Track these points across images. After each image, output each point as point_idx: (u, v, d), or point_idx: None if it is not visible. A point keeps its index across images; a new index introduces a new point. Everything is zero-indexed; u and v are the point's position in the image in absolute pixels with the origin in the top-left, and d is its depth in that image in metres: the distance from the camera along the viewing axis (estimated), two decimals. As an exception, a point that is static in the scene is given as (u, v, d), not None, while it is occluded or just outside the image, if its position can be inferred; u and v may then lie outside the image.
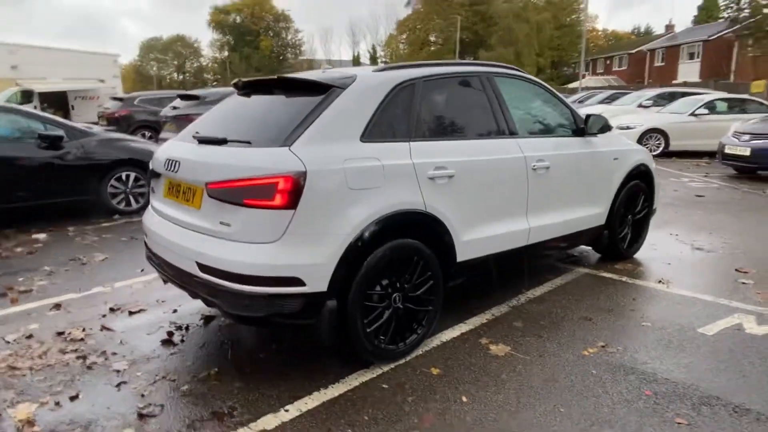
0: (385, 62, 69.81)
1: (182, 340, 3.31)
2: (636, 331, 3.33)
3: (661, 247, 5.11)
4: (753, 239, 5.42)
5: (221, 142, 2.81)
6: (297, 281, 2.55)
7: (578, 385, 2.73)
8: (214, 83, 69.06)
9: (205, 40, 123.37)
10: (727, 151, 9.55)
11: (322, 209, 2.60)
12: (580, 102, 19.67)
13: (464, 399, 2.62)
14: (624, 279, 4.29)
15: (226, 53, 70.91)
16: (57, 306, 3.87)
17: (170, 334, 3.38)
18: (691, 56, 37.92)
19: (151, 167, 3.33)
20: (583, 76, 33.62)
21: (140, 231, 6.00)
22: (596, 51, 54.05)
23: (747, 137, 9.21)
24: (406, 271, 2.93)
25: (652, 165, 4.78)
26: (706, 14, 56.15)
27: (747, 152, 9.09)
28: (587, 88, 28.60)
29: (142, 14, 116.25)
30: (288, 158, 2.54)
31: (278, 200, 2.50)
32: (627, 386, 2.71)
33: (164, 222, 3.09)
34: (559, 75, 63.42)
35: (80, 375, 2.92)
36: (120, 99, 14.25)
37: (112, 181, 6.76)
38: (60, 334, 3.42)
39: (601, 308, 3.70)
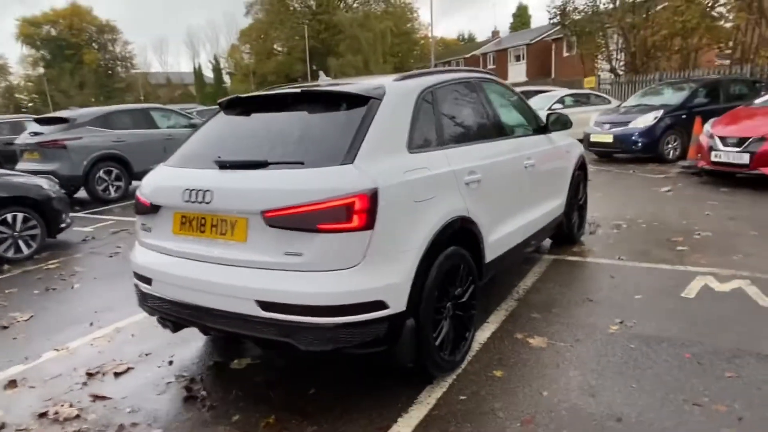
0: (230, 74, 67.35)
1: (207, 394, 2.91)
2: (636, 304, 3.68)
3: (593, 227, 5.71)
4: (657, 211, 6.27)
5: (261, 165, 2.53)
6: (381, 305, 2.40)
7: (630, 361, 2.95)
8: (30, 104, 60.75)
9: (13, 56, 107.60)
10: (592, 139, 10.90)
11: (396, 225, 2.48)
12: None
13: (545, 393, 2.69)
14: (589, 260, 4.71)
15: (41, 69, 62.67)
16: (12, 383, 3.16)
17: (188, 389, 2.95)
18: (518, 59, 42.52)
19: (148, 201, 2.86)
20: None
21: (51, 280, 5.16)
22: (438, 56, 57.89)
23: (608, 126, 10.61)
24: (455, 279, 2.91)
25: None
26: (520, 21, 63.55)
27: (610, 139, 10.48)
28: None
29: None
30: (356, 176, 2.39)
31: (356, 221, 2.33)
32: (667, 353, 3.00)
33: (183, 262, 2.69)
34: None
35: (109, 458, 2.43)
36: (-55, 128, 11.88)
37: (-5, 226, 5.66)
38: (42, 415, 2.80)
39: (593, 289, 4.03)
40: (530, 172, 3.86)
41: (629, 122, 10.33)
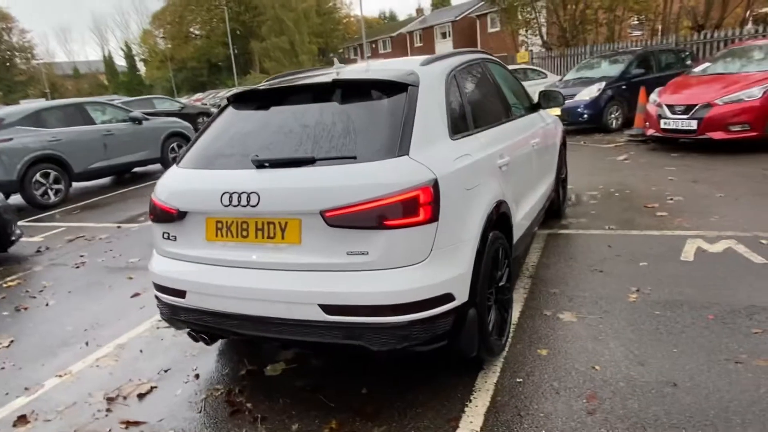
0: (144, 60, 63.59)
1: (253, 405, 2.75)
2: (643, 272, 3.86)
3: (573, 200, 5.91)
4: (623, 179, 6.58)
5: (308, 162, 2.39)
6: (449, 297, 2.36)
7: (661, 327, 3.09)
8: None
9: None
10: (540, 113, 11.25)
11: (455, 215, 2.43)
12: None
13: (597, 368, 2.76)
14: (581, 232, 4.87)
15: (-75, 64, 56.36)
16: (21, 419, 2.85)
17: (231, 403, 2.79)
18: (444, 36, 43.02)
19: (174, 208, 2.63)
20: (352, 62, 35.49)
21: (18, 298, 4.69)
22: (359, 36, 57.33)
23: (555, 99, 10.96)
24: (497, 263, 2.91)
25: (562, 130, 5.46)
26: (440, -2, 64.14)
27: (558, 111, 10.83)
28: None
29: None
30: (416, 167, 2.30)
31: (422, 215, 2.26)
32: (691, 316, 3.17)
33: (224, 270, 2.51)
34: (327, 62, 66.32)
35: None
36: None
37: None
38: (74, 451, 2.55)
39: (597, 259, 4.17)
40: (536, 151, 3.92)
41: (575, 95, 10.72)
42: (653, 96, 8.37)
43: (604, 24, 17.18)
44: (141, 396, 2.96)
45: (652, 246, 4.33)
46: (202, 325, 2.67)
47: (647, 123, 8.49)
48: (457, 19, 41.21)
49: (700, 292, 3.46)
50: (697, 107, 7.44)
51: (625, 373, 2.69)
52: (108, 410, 2.86)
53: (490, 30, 37.41)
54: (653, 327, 3.10)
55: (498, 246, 2.87)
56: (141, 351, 3.49)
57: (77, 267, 5.41)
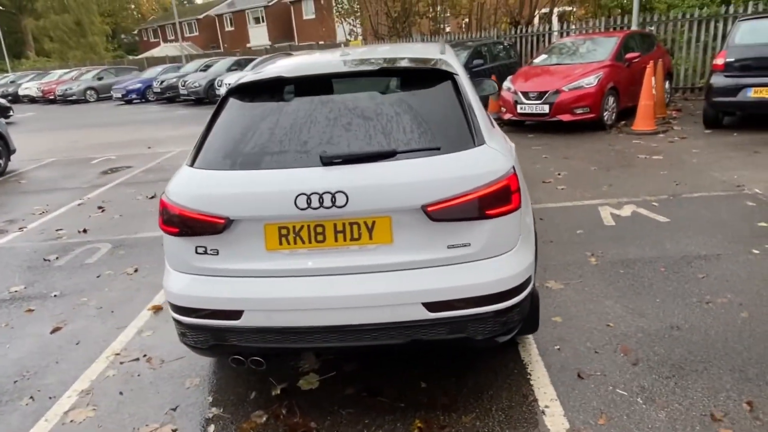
0: None
1: (315, 424, 2.53)
2: (584, 238, 4.40)
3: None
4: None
5: (389, 155, 2.25)
6: (530, 279, 2.46)
7: (633, 283, 3.60)
8: None
9: None
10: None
11: (524, 201, 2.52)
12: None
13: (611, 325, 3.13)
14: (507, 209, 5.32)
15: None
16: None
17: (291, 426, 2.52)
18: (257, 21, 41.70)
19: (221, 217, 2.23)
20: (152, 45, 32.39)
21: None
22: (160, 17, 52.49)
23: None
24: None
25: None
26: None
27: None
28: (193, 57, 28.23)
29: None
30: (498, 156, 2.34)
31: (513, 202, 2.31)
32: (649, 270, 3.74)
33: (298, 281, 2.25)
34: (119, 44, 59.77)
35: None
36: None
37: None
38: None
39: (540, 231, 4.54)
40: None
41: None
42: (507, 84, 9.37)
43: (428, 17, 18.52)
44: (161, 446, 2.50)
45: (575, 215, 4.96)
46: (263, 346, 2.35)
47: (503, 108, 9.48)
48: (270, 4, 40.23)
49: (640, 249, 4.10)
50: (548, 93, 8.56)
51: (635, 325, 3.10)
52: (133, 470, 2.36)
53: (305, 17, 37.38)
54: (628, 283, 3.60)
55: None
56: (121, 393, 2.91)
57: (-67, 307, 4.18)
